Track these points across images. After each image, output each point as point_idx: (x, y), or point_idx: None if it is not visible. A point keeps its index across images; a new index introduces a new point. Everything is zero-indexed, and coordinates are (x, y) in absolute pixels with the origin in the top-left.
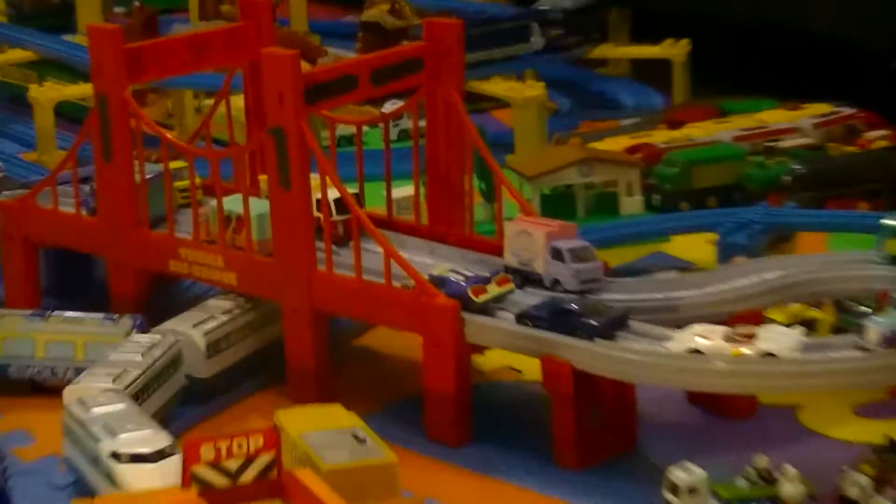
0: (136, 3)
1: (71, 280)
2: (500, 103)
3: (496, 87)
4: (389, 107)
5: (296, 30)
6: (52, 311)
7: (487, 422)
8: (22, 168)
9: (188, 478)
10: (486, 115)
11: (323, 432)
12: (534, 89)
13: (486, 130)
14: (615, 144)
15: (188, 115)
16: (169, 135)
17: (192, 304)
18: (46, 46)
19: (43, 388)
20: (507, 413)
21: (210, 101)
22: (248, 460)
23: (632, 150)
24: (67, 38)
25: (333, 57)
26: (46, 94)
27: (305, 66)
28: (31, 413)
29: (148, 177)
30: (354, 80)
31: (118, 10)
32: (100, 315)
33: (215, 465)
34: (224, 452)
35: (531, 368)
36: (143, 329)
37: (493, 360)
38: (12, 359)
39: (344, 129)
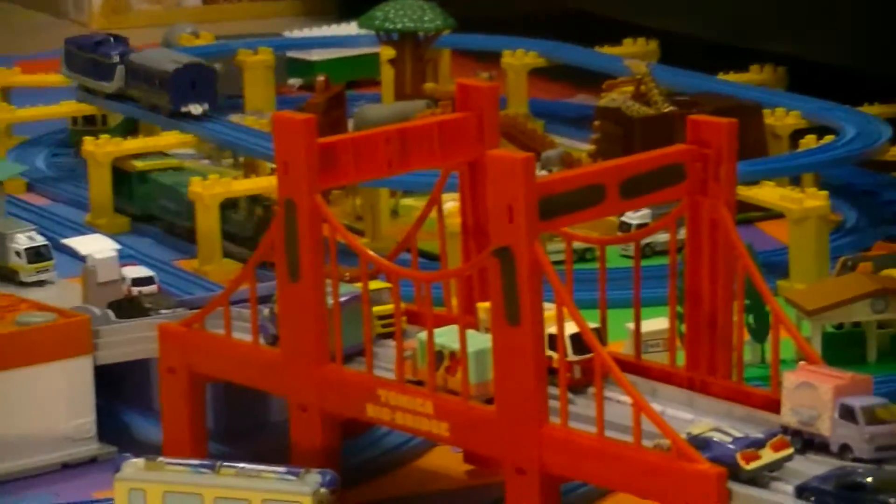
0: (321, 77)
1: (242, 423)
2: (770, 213)
3: (767, 193)
4: (633, 215)
5: (515, 113)
6: (223, 461)
7: None
8: (180, 280)
9: None
10: (752, 227)
11: None
12: (814, 199)
13: (755, 249)
14: None
15: (382, 219)
16: (363, 245)
17: (392, 456)
18: (209, 129)
19: None
20: None
21: (410, 202)
22: None
23: None
24: (235, 118)
25: (561, 150)
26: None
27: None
28: None
29: (342, 300)
30: (601, 191)
31: (293, 81)
32: (281, 468)
33: None
34: None
35: None
36: (334, 488)
37: None
38: None
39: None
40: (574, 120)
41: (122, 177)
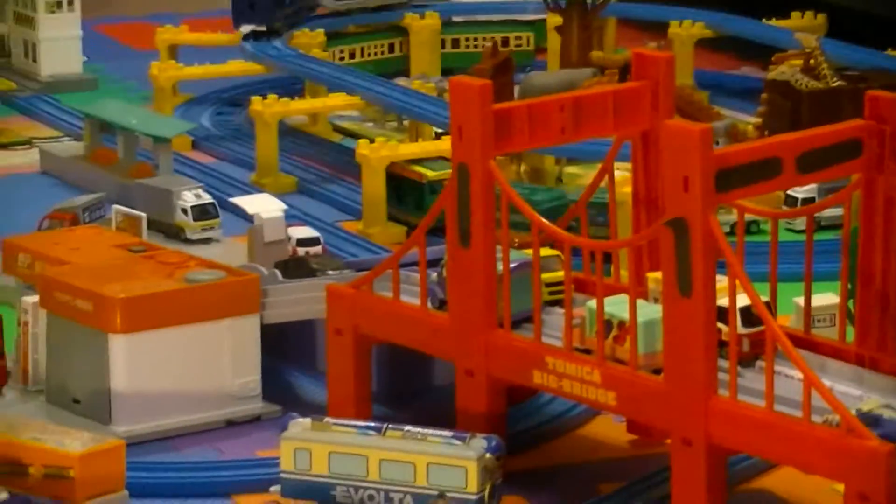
0: (489, 43)
1: (407, 386)
2: None
3: None
4: (799, 189)
5: (682, 84)
6: (389, 423)
7: None
8: (344, 242)
9: None
10: None
11: None
12: None
13: None
14: None
15: (547, 186)
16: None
17: (556, 424)
18: (377, 92)
19: None
20: None
21: (574, 170)
22: None
23: None
24: (402, 81)
25: (728, 122)
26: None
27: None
28: None
29: (512, 266)
30: (777, 164)
31: None
32: (447, 432)
33: None
34: None
35: None
36: (500, 453)
37: None
38: (340, 478)
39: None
40: (738, 92)
41: (410, 186)
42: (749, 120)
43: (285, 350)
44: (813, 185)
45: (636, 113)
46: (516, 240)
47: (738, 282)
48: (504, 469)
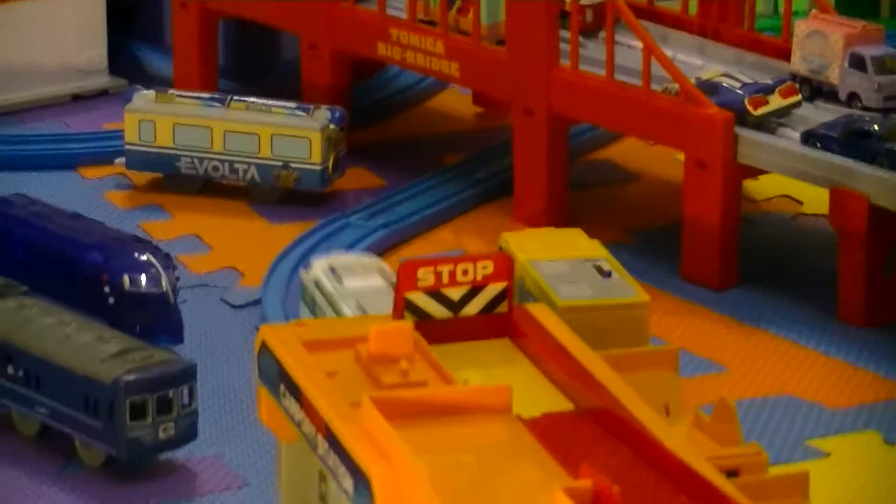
0: None
1: (254, 59)
2: None
3: None
4: None
5: None
6: (233, 95)
7: (757, 262)
8: None
9: (401, 306)
10: None
11: (559, 261)
12: None
13: None
14: None
15: None
16: None
17: (403, 97)
18: None
19: (219, 187)
20: (781, 253)
21: None
22: (474, 290)
23: None
24: None
25: None
26: None
27: None
28: (204, 216)
29: None
30: None
31: None
32: (291, 104)
33: (434, 292)
34: (446, 278)
35: (815, 200)
36: (343, 124)
37: (768, 188)
38: (185, 150)
39: None
40: None
41: None
42: None
43: (133, 24)
44: None
45: None
46: None
47: None
48: (349, 141)
